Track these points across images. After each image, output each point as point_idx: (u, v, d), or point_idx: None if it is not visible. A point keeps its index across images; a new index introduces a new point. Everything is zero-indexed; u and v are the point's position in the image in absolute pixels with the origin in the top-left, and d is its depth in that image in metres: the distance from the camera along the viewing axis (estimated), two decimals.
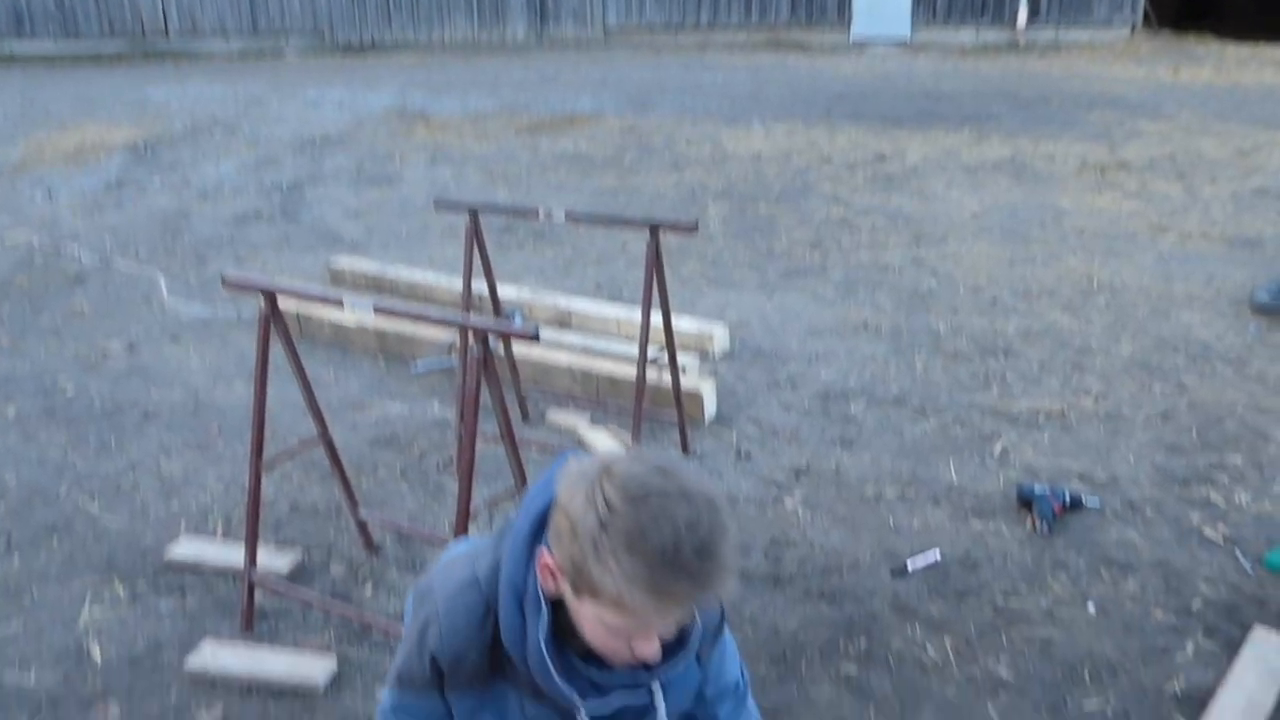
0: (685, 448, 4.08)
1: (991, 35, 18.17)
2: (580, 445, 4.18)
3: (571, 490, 1.32)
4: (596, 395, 4.51)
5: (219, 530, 3.58)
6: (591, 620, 1.36)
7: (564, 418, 4.40)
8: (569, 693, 1.44)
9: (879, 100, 12.43)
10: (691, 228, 3.62)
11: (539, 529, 1.44)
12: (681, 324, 5.00)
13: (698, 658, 1.60)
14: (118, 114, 12.72)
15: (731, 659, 1.76)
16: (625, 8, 19.45)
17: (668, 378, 4.01)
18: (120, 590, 3.24)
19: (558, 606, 1.43)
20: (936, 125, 10.67)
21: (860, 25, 18.55)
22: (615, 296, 5.90)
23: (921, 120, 11.03)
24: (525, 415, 4.36)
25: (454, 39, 19.99)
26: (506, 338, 2.86)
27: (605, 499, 1.27)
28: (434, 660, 1.50)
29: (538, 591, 1.43)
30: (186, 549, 3.42)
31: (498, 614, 1.46)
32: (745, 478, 3.89)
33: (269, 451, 3.21)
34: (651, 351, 3.96)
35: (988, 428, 4.29)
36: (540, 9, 19.67)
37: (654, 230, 3.59)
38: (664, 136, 10.35)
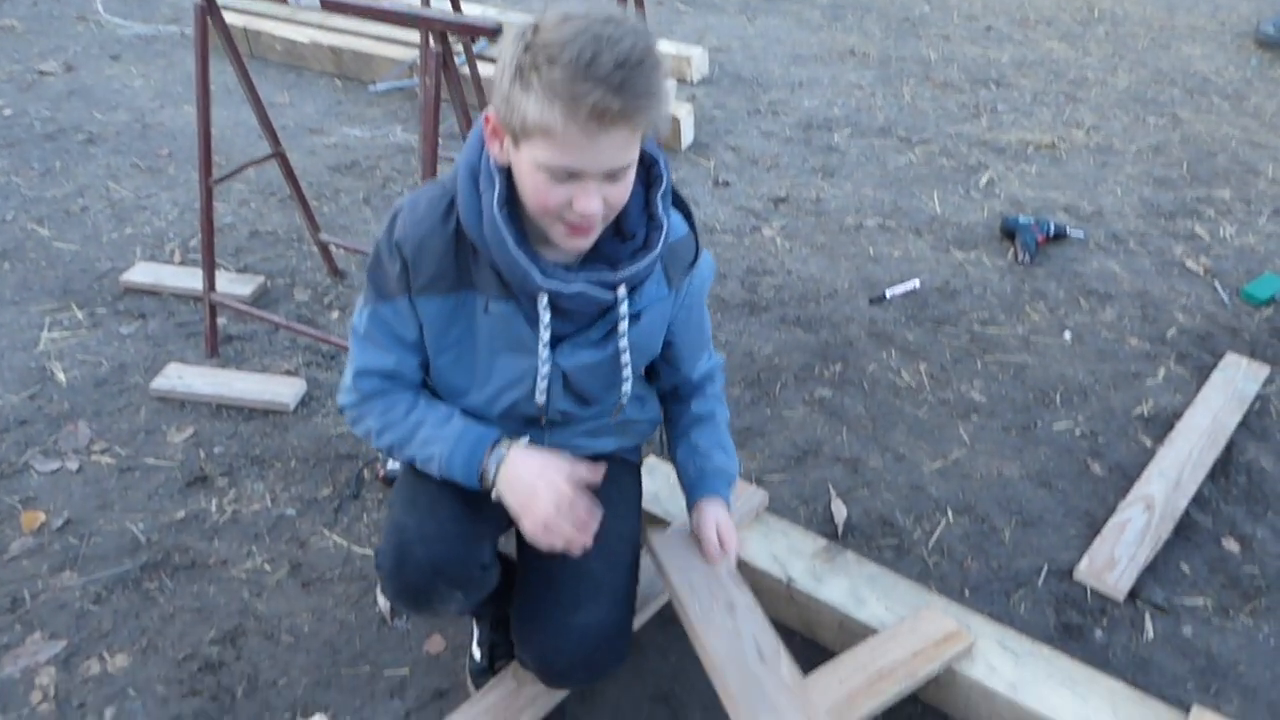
0: None
1: None
2: None
3: (505, 42, 1.32)
4: None
5: (176, 256, 3.44)
6: (528, 170, 1.34)
7: None
8: (527, 265, 1.42)
9: None
10: None
11: None
12: (658, 46, 4.69)
13: (668, 279, 1.57)
14: None
15: (706, 314, 1.75)
16: None
17: None
18: (79, 314, 3.14)
19: (514, 201, 1.42)
20: None
21: None
22: None
23: None
24: None
25: None
26: (467, 39, 2.62)
27: (534, 27, 1.28)
28: (399, 250, 1.47)
29: (489, 165, 1.42)
30: (144, 274, 3.30)
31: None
32: (722, 206, 3.76)
33: (223, 173, 3.02)
34: None
35: (974, 159, 4.14)
36: None
37: None
38: None
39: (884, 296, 3.22)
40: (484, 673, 1.90)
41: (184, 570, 2.23)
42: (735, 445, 2.57)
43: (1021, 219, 3.53)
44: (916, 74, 4.94)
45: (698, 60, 4.76)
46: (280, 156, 2.87)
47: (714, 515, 1.72)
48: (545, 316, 1.49)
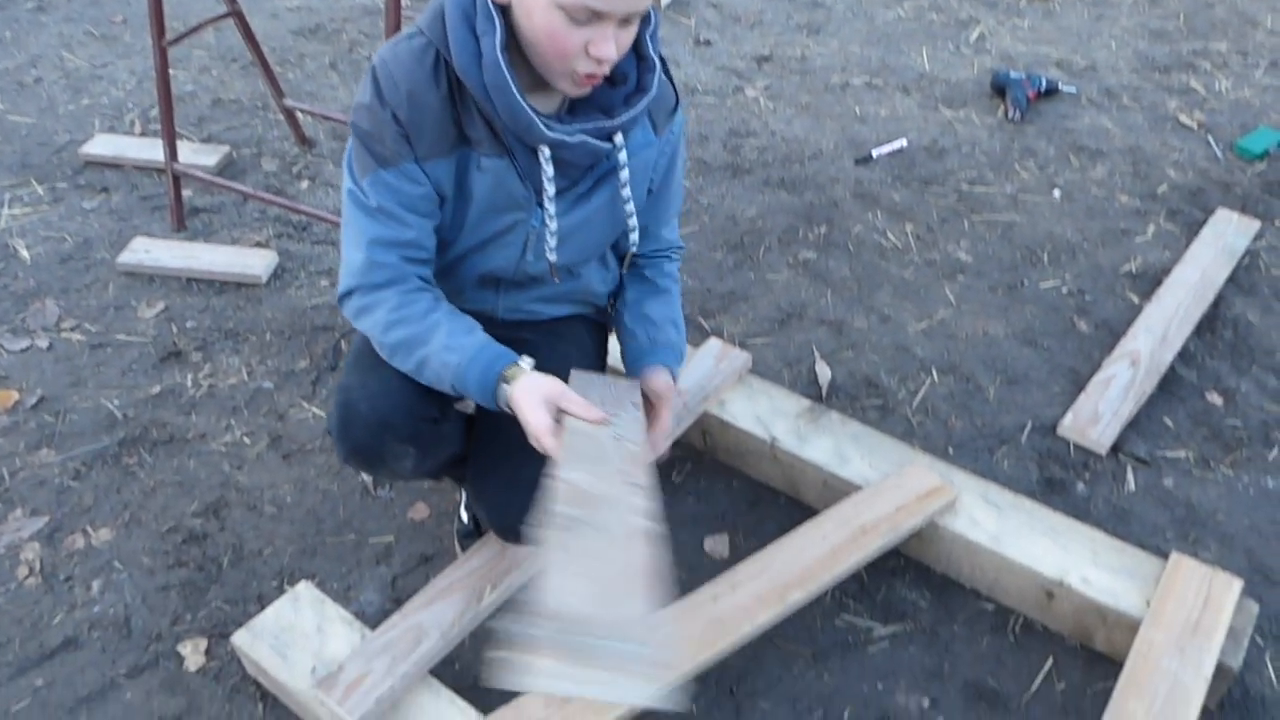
0: None
1: None
2: None
3: None
4: None
5: (136, 127, 3.31)
6: (543, 10, 1.25)
7: None
8: (530, 113, 1.33)
9: None
10: None
11: None
12: None
13: (653, 124, 1.52)
14: None
15: (683, 173, 1.70)
16: None
17: None
18: (39, 189, 3.04)
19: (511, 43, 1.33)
20: None
21: None
22: None
23: None
24: None
25: None
26: None
27: None
28: (393, 114, 1.36)
29: (487, 5, 1.31)
30: (104, 146, 3.18)
31: (447, 61, 1.35)
32: (704, 66, 3.63)
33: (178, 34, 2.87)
34: None
35: (965, 13, 3.99)
36: None
37: None
38: None
39: (870, 157, 3.13)
40: (471, 535, 1.90)
41: (162, 445, 2.21)
42: (719, 309, 2.55)
43: (1012, 74, 3.42)
44: None
45: None
46: (237, 15, 2.73)
47: (663, 382, 1.61)
48: (549, 169, 1.41)
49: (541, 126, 1.34)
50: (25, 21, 3.97)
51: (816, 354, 2.42)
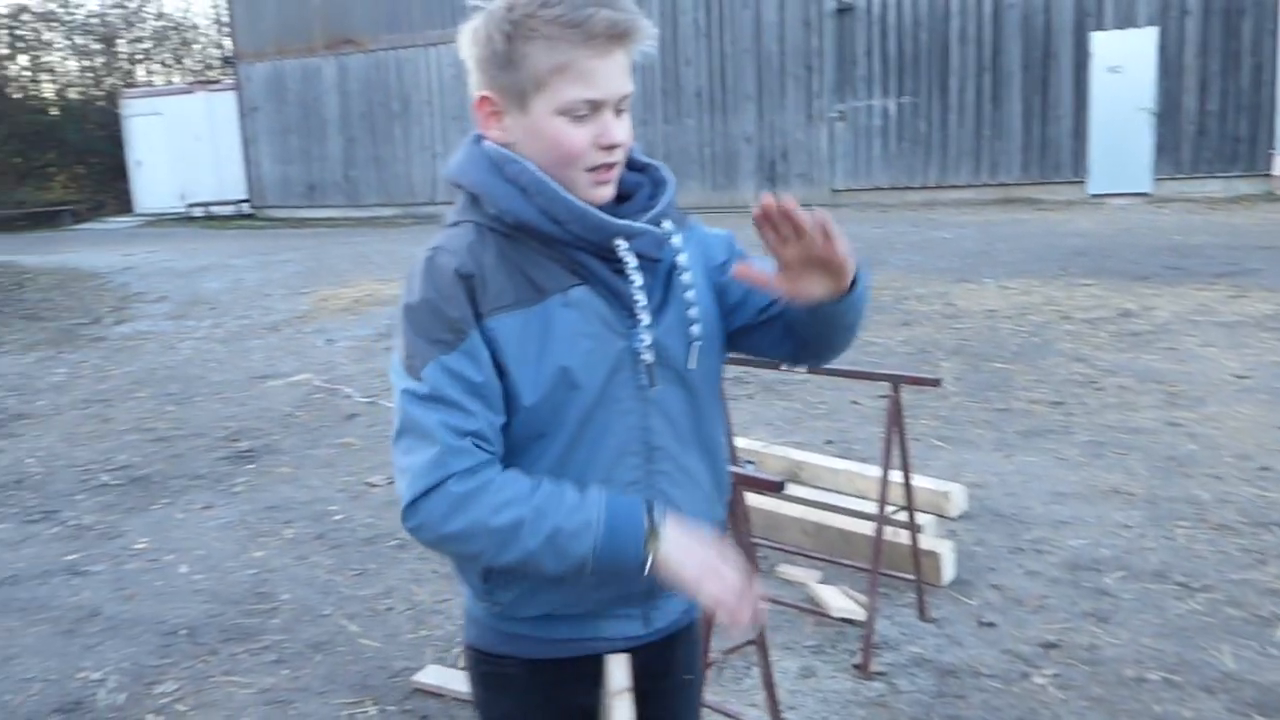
0: (923, 612, 3.92)
1: (1244, 186, 16.86)
2: (811, 602, 4.10)
3: (471, 32, 1.42)
4: (829, 551, 4.43)
5: (461, 661, 3.74)
6: (546, 121, 1.39)
7: (795, 573, 4.35)
8: (594, 209, 1.41)
9: (1121, 255, 11.88)
10: (934, 382, 3.61)
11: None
12: (916, 482, 4.88)
13: (673, 220, 1.53)
14: (389, 270, 14.07)
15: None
16: (853, 169, 19.67)
17: (903, 536, 3.91)
18: (371, 710, 3.43)
19: None
20: (1187, 280, 10.08)
21: (1097, 179, 17.80)
22: (845, 453, 5.85)
23: (1169, 275, 10.43)
24: (754, 567, 4.35)
25: (688, 201, 20.93)
26: (748, 487, 2.90)
27: (506, 5, 1.38)
28: (461, 275, 1.39)
29: (501, 150, 1.43)
30: (434, 676, 3.60)
31: (490, 229, 1.43)
32: (988, 649, 3.69)
33: None
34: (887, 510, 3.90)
35: (1266, 609, 3.88)
36: (771, 173, 20.33)
37: (895, 384, 3.59)
38: (893, 293, 10.32)
39: None
40: None
41: None
42: None
43: None
44: (1189, 515, 4.79)
45: (956, 496, 4.90)
46: None
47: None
48: (632, 260, 1.44)
49: (610, 216, 1.42)
50: (387, 556, 4.74)
51: None
